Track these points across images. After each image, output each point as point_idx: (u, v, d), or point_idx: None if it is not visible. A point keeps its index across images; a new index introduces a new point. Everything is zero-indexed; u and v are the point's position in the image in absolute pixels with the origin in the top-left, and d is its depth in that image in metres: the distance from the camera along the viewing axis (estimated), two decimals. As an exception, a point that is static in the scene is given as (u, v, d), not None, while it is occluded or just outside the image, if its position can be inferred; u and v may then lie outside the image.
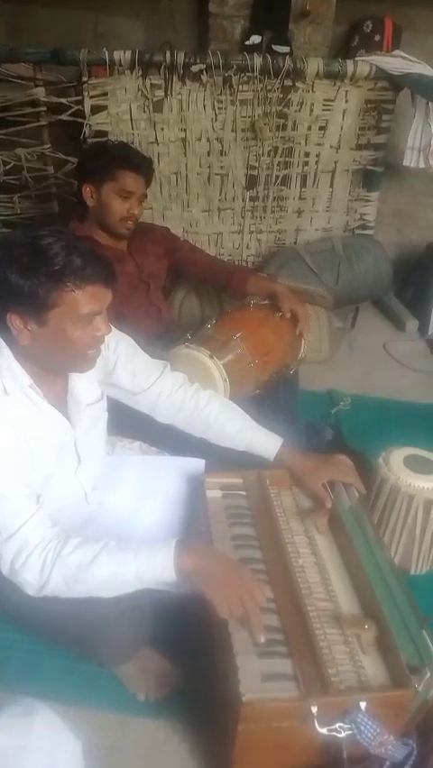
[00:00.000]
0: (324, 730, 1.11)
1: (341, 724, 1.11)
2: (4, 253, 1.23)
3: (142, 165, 2.17)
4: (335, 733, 1.11)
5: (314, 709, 1.11)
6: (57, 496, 1.40)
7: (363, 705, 1.12)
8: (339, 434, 2.24)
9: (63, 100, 2.68)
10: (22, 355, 1.32)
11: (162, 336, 2.24)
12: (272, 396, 2.14)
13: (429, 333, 3.17)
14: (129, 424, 1.71)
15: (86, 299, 1.26)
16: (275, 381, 2.14)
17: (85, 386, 1.47)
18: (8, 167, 2.77)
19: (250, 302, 2.20)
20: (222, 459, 1.67)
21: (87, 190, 2.14)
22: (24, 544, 1.24)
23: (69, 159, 2.79)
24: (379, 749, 1.12)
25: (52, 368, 1.37)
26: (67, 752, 1.08)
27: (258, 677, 1.16)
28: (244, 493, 1.61)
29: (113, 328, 1.50)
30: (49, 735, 1.08)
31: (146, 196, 2.23)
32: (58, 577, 1.23)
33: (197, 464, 1.68)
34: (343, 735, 1.11)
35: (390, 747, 1.13)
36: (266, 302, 2.20)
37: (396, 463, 1.72)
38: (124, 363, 1.58)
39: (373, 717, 1.12)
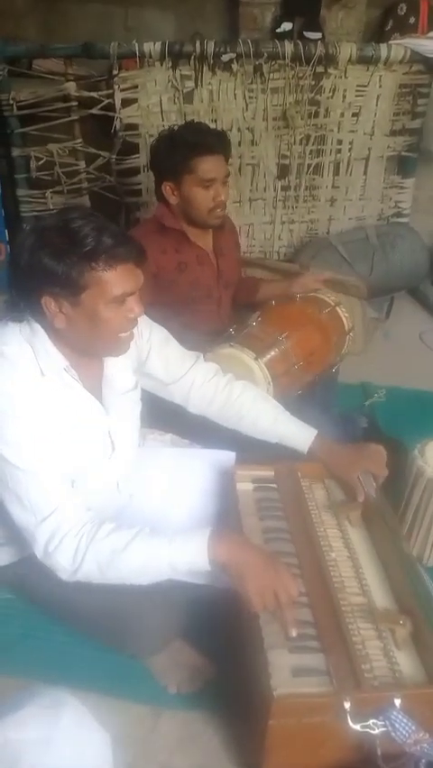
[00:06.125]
0: (357, 727, 1.09)
1: (375, 720, 1.09)
2: (36, 237, 1.24)
3: (217, 144, 1.92)
4: (368, 730, 1.09)
5: (347, 705, 1.09)
6: (90, 483, 1.40)
7: (397, 702, 1.09)
8: (374, 422, 2.19)
9: (94, 94, 2.69)
10: (57, 339, 1.32)
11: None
12: (309, 388, 2.08)
13: (467, 322, 3.09)
14: (160, 416, 1.70)
15: (117, 279, 1.26)
16: (317, 379, 2.07)
17: (120, 374, 1.47)
18: (40, 162, 2.80)
19: (296, 295, 2.10)
20: (254, 451, 1.65)
21: (166, 189, 1.96)
22: (59, 526, 1.24)
23: (101, 153, 2.81)
24: (414, 747, 1.10)
25: (87, 351, 1.37)
26: (95, 744, 1.07)
27: (289, 671, 1.15)
28: (275, 486, 1.59)
29: (145, 317, 1.50)
30: (76, 727, 1.07)
31: (229, 174, 1.98)
32: (91, 562, 1.22)
33: (228, 457, 1.66)
34: (377, 732, 1.09)
35: (426, 746, 1.10)
36: (312, 294, 2.12)
37: (432, 455, 1.67)
38: (157, 352, 1.58)
39: (409, 715, 1.09)
